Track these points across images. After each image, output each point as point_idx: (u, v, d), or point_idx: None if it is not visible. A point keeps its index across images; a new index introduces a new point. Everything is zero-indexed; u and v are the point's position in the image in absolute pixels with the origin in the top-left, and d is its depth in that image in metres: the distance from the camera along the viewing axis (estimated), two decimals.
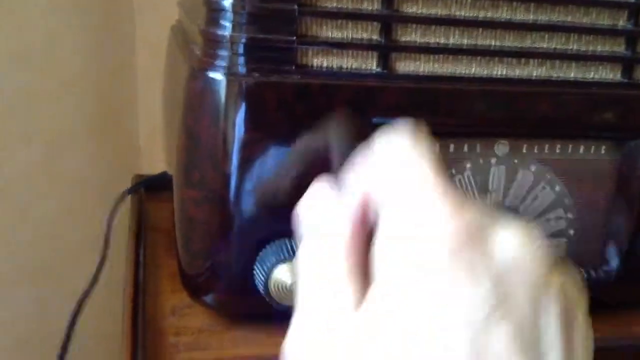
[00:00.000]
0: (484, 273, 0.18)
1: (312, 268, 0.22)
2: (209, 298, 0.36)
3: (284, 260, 0.32)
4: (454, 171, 0.36)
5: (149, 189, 0.54)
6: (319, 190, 0.23)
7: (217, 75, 0.32)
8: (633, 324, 0.42)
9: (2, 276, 0.66)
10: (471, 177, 0.37)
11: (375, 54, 0.33)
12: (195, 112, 0.33)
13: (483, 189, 0.37)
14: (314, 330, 0.21)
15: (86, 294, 0.50)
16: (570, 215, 0.39)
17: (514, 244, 0.19)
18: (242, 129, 0.32)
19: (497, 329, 0.18)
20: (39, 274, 0.69)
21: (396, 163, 0.21)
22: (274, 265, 0.32)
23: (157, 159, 0.80)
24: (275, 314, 0.35)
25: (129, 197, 0.54)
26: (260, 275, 0.33)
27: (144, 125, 0.80)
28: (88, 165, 0.72)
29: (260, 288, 0.33)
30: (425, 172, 0.20)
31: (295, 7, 0.31)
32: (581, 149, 0.38)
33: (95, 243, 0.72)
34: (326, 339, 0.20)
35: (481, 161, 0.37)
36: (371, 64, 0.34)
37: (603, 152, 0.39)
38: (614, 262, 0.40)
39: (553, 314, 0.19)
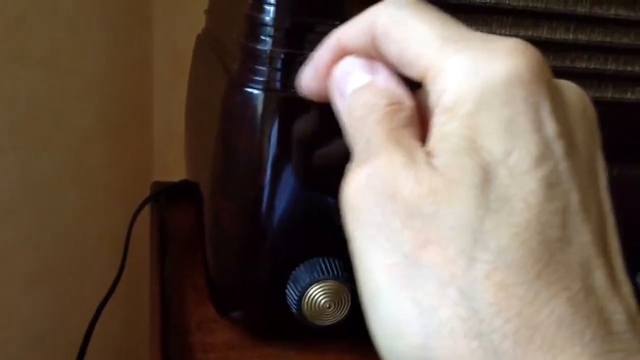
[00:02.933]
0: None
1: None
2: (237, 313, 0.36)
3: (318, 280, 0.32)
4: None
5: (168, 196, 0.54)
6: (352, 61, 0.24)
7: (255, 90, 0.31)
8: None
9: (24, 275, 0.66)
10: None
11: None
12: (232, 126, 0.32)
13: None
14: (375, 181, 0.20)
15: (104, 303, 0.50)
16: None
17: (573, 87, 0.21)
18: (279, 144, 0.31)
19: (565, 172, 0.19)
20: (59, 274, 0.69)
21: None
22: (308, 285, 0.32)
23: (170, 164, 0.80)
24: (305, 332, 0.34)
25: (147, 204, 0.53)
26: (294, 294, 0.32)
27: (159, 130, 0.80)
28: (107, 168, 0.72)
29: (293, 307, 0.32)
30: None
31: (337, 23, 0.31)
32: (614, 171, 0.38)
33: (112, 245, 0.72)
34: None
35: None
36: None
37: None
38: None
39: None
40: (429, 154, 0.20)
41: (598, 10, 0.35)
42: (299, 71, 0.26)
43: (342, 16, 0.31)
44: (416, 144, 0.20)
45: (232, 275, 0.35)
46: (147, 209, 0.53)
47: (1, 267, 0.64)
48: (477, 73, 0.19)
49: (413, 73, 0.21)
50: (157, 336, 0.34)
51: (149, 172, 0.79)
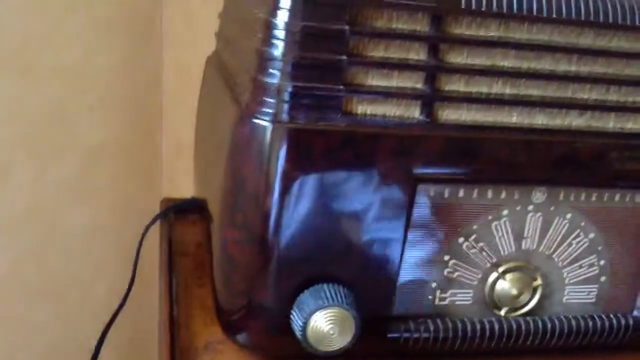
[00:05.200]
0: None
1: None
2: (243, 336, 0.37)
3: (322, 307, 0.33)
4: (490, 217, 0.37)
5: (177, 212, 0.55)
6: None
7: (264, 122, 0.32)
8: None
9: (31, 289, 0.67)
10: (507, 224, 0.37)
11: (419, 102, 0.34)
12: (241, 157, 0.33)
13: (519, 236, 0.38)
14: None
15: (114, 317, 0.51)
16: (602, 263, 0.39)
17: None
18: (287, 175, 0.32)
19: None
20: (66, 289, 0.70)
21: None
22: (313, 311, 0.33)
23: (179, 179, 0.81)
24: (310, 356, 0.35)
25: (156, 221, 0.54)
26: (298, 320, 0.33)
27: (167, 146, 0.81)
28: (115, 183, 0.72)
29: (298, 333, 0.33)
30: None
31: (344, 57, 0.32)
32: (617, 197, 0.38)
33: (119, 260, 0.72)
34: None
35: (518, 208, 0.37)
36: (415, 113, 0.34)
37: (638, 200, 0.39)
38: None
39: None
40: None
41: (600, 42, 0.36)
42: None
43: (347, 52, 0.32)
44: None
45: (239, 300, 0.35)
46: (156, 224, 0.54)
47: (9, 282, 0.65)
48: None
49: None
50: (166, 357, 0.35)
51: (158, 187, 0.80)
